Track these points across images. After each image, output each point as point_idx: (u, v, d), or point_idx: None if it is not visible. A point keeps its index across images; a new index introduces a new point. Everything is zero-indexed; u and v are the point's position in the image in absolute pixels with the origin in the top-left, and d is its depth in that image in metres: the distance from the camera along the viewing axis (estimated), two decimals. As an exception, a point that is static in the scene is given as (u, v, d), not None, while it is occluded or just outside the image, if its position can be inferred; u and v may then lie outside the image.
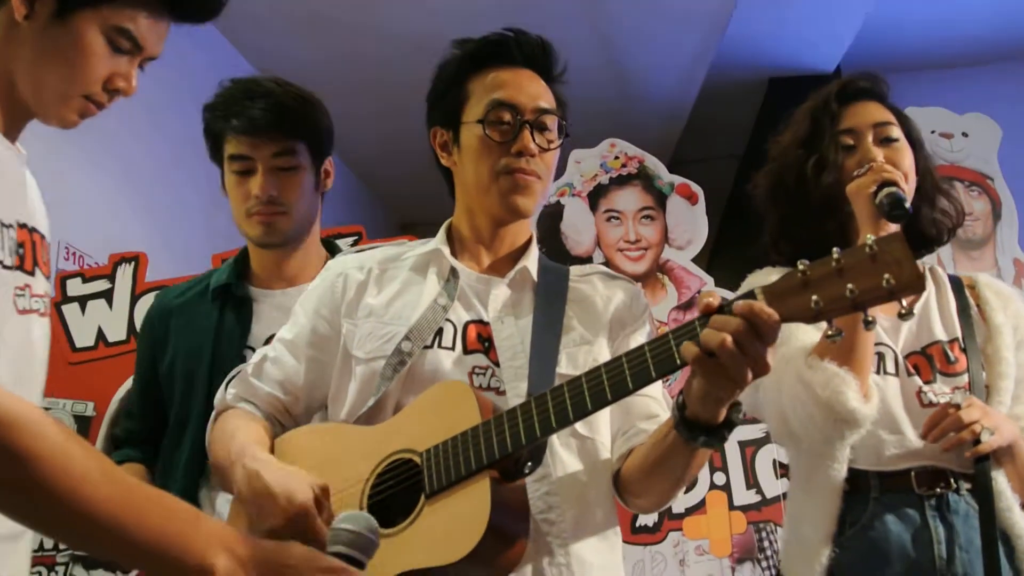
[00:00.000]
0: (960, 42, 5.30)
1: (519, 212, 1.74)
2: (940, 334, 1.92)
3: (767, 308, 1.28)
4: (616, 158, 3.92)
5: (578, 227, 3.85)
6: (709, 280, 3.79)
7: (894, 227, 1.75)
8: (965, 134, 4.33)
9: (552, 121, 1.74)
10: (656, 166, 3.91)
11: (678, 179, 3.92)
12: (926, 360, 1.89)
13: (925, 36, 5.28)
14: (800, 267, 1.26)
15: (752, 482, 3.45)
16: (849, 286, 1.22)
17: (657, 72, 5.47)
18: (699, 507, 3.44)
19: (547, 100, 1.74)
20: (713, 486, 3.45)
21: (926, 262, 2.05)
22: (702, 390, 1.38)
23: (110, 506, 1.06)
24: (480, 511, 1.40)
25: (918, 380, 1.87)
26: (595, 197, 3.88)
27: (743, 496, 3.44)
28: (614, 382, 1.40)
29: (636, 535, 3.43)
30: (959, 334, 1.92)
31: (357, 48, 4.83)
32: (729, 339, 1.28)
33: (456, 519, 1.43)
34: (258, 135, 2.06)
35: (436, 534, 1.44)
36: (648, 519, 3.43)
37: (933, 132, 4.15)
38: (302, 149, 2.11)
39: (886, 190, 1.77)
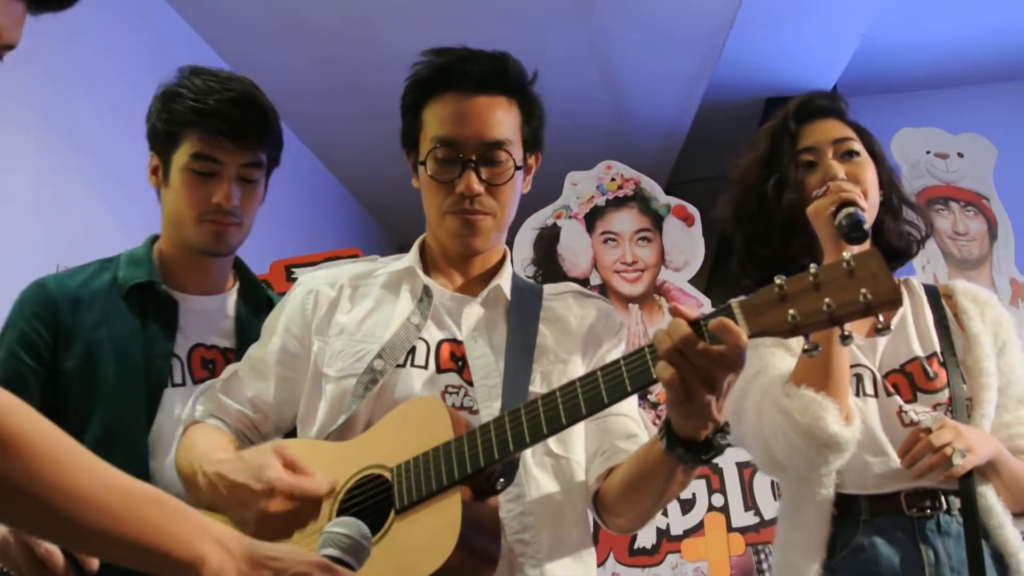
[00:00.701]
0: (956, 63, 5.31)
1: (470, 251, 1.73)
2: (918, 350, 1.89)
3: (737, 332, 1.27)
4: (612, 180, 3.93)
5: (575, 249, 3.87)
6: (706, 301, 3.79)
7: (856, 248, 1.73)
8: (960, 154, 4.34)
9: (503, 154, 1.69)
10: (652, 188, 3.92)
11: (675, 201, 3.93)
12: (905, 378, 1.87)
13: (921, 57, 5.29)
14: (777, 282, 1.27)
15: (750, 504, 3.44)
16: (826, 300, 1.23)
17: (654, 93, 5.48)
18: (697, 529, 3.43)
19: (501, 128, 1.69)
20: (711, 508, 3.44)
21: (904, 276, 2.05)
22: (668, 400, 1.37)
23: (97, 496, 1.01)
24: (450, 527, 1.39)
25: (898, 399, 1.84)
26: (592, 219, 3.90)
27: (741, 518, 3.43)
28: (589, 396, 1.39)
29: (634, 557, 3.42)
30: (937, 348, 1.89)
31: (358, 79, 4.87)
32: (671, 345, 1.28)
33: (426, 535, 1.42)
34: (237, 141, 1.93)
35: (405, 550, 1.42)
36: (646, 541, 3.42)
37: (929, 152, 4.18)
38: (264, 162, 2.01)
39: (845, 211, 1.75)
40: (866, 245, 1.74)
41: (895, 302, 1.22)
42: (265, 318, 2.02)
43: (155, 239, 2.06)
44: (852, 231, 1.72)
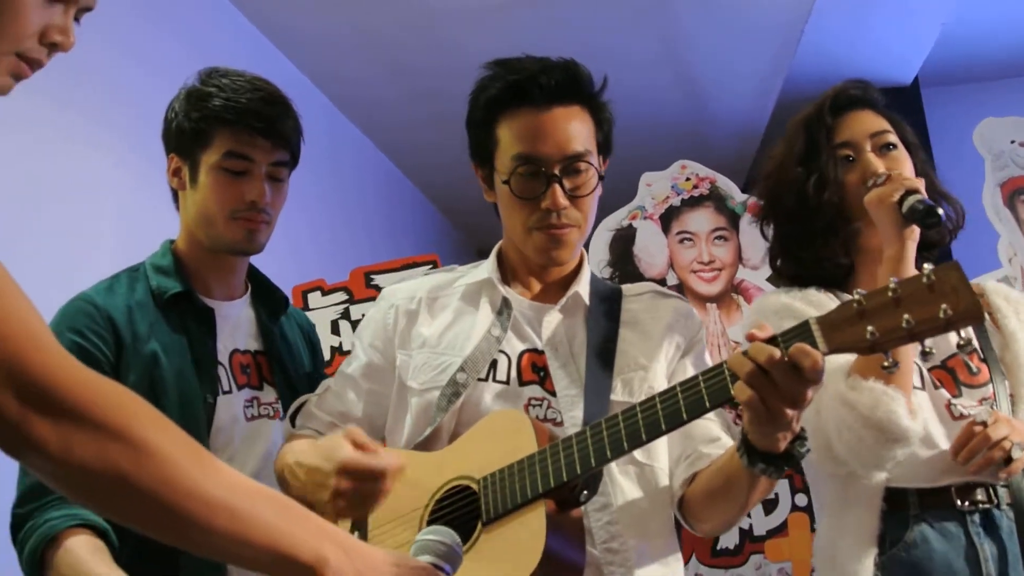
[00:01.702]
0: (1041, 49, 5.18)
1: (555, 263, 1.75)
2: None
3: (810, 351, 1.27)
4: (687, 179, 3.90)
5: (651, 250, 3.84)
6: (785, 299, 3.73)
7: (917, 232, 1.71)
8: (1047, 143, 4.21)
9: (584, 164, 1.70)
10: (728, 186, 3.88)
11: (751, 199, 3.89)
12: (948, 374, 1.83)
13: (1004, 44, 5.16)
14: (856, 297, 1.26)
15: (835, 503, 3.39)
16: (906, 316, 1.21)
17: (730, 90, 5.44)
18: (781, 529, 3.39)
19: (580, 139, 1.70)
20: (795, 508, 3.40)
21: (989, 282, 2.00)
22: (748, 419, 1.37)
23: (223, 497, 1.03)
24: (535, 539, 1.42)
25: (945, 393, 1.80)
26: (667, 219, 3.87)
27: (826, 518, 3.38)
28: (668, 412, 1.40)
29: (717, 558, 3.40)
30: (976, 345, 1.85)
31: (432, 85, 4.92)
32: (753, 368, 1.29)
33: (511, 547, 1.45)
34: (271, 139, 1.94)
35: (492, 561, 1.46)
36: (729, 542, 3.40)
37: (1013, 142, 4.05)
38: (289, 161, 2.01)
39: (914, 197, 1.70)
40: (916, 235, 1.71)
41: (976, 317, 1.19)
42: (283, 318, 2.09)
43: (171, 243, 2.04)
44: (928, 216, 1.67)
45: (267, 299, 2.09)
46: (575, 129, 1.70)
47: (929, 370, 1.83)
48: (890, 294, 1.23)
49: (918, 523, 1.75)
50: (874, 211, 1.76)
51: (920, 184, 1.75)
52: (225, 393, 1.93)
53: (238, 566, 1.07)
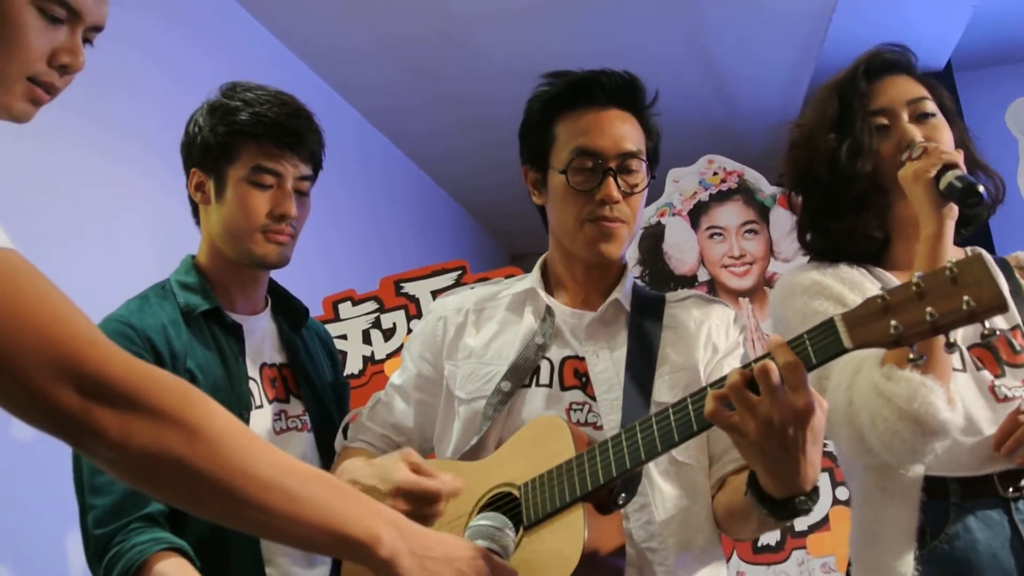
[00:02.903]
0: (1075, 26, 5.08)
1: (605, 259, 1.76)
2: (1000, 322, 1.72)
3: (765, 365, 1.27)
4: (715, 174, 3.88)
5: (680, 246, 3.82)
6: (820, 291, 3.69)
7: (955, 210, 1.61)
8: (1082, 122, 4.15)
9: (638, 163, 1.74)
10: (756, 179, 3.85)
11: (780, 191, 3.85)
12: (990, 352, 1.73)
13: (1036, 24, 5.08)
14: (881, 292, 1.25)
15: (877, 496, 3.34)
16: (929, 309, 1.20)
17: (759, 82, 5.39)
18: (823, 524, 3.36)
19: (634, 140, 1.74)
20: (836, 502, 3.36)
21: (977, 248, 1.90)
22: (736, 444, 1.36)
23: (277, 478, 1.06)
24: (574, 542, 1.44)
25: (987, 374, 1.70)
26: (696, 215, 3.85)
27: (868, 511, 3.33)
28: (699, 413, 1.39)
29: (759, 555, 3.37)
30: (1019, 319, 1.73)
31: (457, 90, 4.93)
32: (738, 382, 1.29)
33: (551, 550, 1.47)
34: (298, 153, 1.94)
35: (533, 565, 1.48)
36: (771, 538, 3.37)
37: (1047, 121, 3.99)
38: (313, 175, 2.01)
39: (953, 173, 1.59)
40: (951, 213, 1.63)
41: (999, 308, 1.17)
42: (303, 329, 2.10)
43: (193, 259, 2.03)
44: (968, 195, 1.57)
45: (287, 311, 2.10)
46: (629, 130, 1.76)
47: (969, 348, 1.73)
48: (913, 288, 1.22)
49: (960, 513, 1.66)
50: (909, 187, 1.66)
51: (959, 157, 1.65)
52: (257, 408, 1.94)
53: (293, 546, 1.09)
